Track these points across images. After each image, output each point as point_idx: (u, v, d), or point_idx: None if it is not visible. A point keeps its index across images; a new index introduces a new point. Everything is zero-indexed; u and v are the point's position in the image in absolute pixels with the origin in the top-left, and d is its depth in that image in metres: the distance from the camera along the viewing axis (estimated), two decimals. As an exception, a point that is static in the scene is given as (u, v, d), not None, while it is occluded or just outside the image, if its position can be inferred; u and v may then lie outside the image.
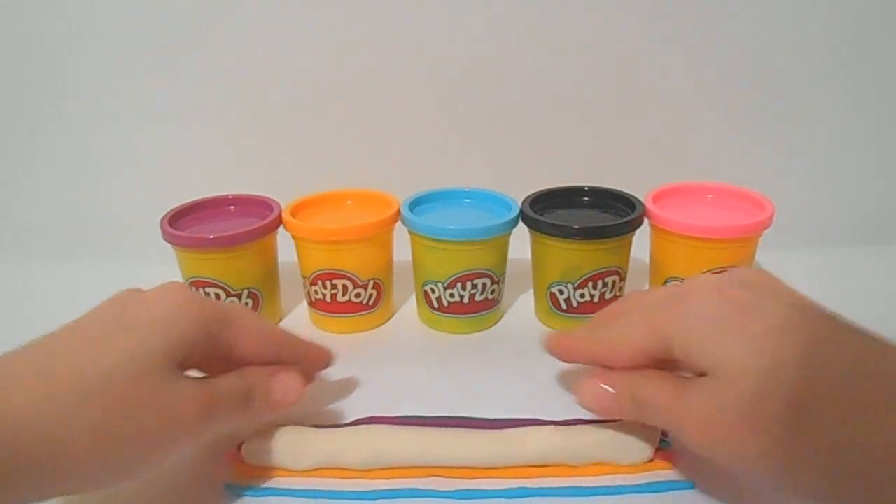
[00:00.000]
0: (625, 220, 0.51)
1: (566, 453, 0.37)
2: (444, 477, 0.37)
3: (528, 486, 0.37)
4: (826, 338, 0.29)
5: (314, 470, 0.38)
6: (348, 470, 0.38)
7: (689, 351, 0.31)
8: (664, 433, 0.38)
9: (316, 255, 0.52)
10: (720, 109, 0.69)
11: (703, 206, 0.56)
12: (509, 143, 0.70)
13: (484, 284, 0.52)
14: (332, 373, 0.49)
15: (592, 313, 0.52)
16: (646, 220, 0.53)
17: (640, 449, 0.38)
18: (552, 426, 0.39)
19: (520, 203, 0.54)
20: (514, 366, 0.50)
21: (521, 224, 0.53)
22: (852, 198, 0.71)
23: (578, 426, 0.39)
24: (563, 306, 0.53)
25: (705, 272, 0.51)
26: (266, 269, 0.54)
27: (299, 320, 0.57)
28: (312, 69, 0.68)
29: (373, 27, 0.66)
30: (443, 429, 0.39)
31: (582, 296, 0.52)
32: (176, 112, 0.69)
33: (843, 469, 0.27)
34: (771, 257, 0.59)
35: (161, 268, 0.54)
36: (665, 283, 0.53)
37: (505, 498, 0.36)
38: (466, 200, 0.57)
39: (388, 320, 0.57)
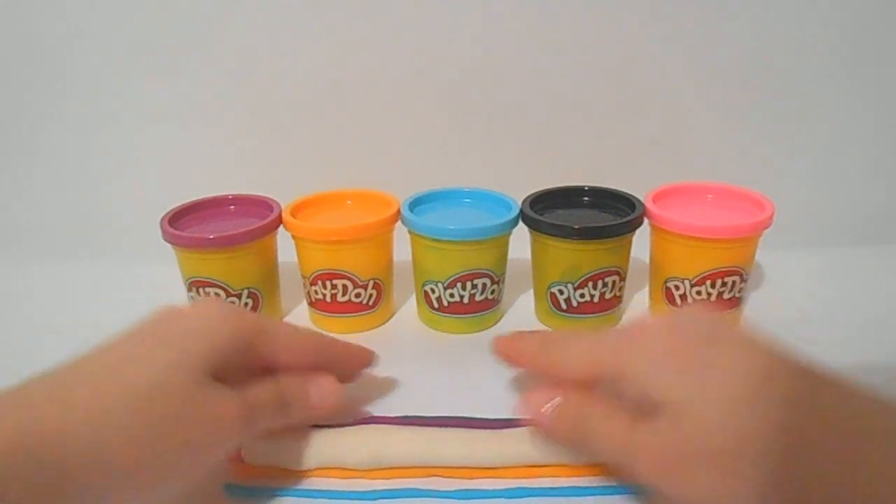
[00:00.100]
0: (625, 220, 0.51)
1: (566, 453, 0.37)
2: (444, 477, 0.37)
3: (528, 486, 0.37)
4: (780, 377, 0.29)
5: (314, 470, 0.38)
6: (348, 470, 0.38)
7: (643, 386, 0.30)
8: None
9: (316, 255, 0.52)
10: (720, 109, 0.69)
11: (703, 206, 0.56)
12: (509, 143, 0.70)
13: (484, 284, 0.52)
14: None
15: (592, 313, 0.53)
16: (646, 220, 0.53)
17: None
18: None
19: (520, 203, 0.54)
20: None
21: (521, 224, 0.53)
22: (852, 198, 0.71)
23: None
24: (563, 306, 0.53)
25: (705, 272, 0.51)
26: (266, 269, 0.54)
27: (299, 320, 0.57)
28: (312, 69, 0.68)
29: (373, 27, 0.66)
30: (443, 429, 0.39)
31: (582, 296, 0.52)
32: (176, 112, 0.69)
33: None
34: (771, 257, 0.59)
35: (161, 268, 0.54)
36: (665, 283, 0.53)
37: (505, 498, 0.36)
38: (466, 200, 0.57)
39: (388, 320, 0.57)
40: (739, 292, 0.52)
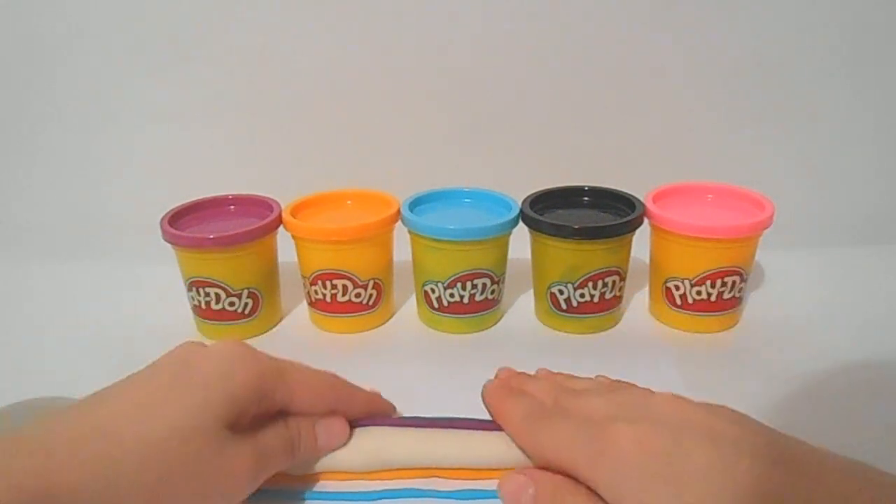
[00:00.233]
0: (625, 220, 0.51)
1: None
2: (443, 478, 0.37)
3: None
4: (753, 476, 0.28)
5: (314, 475, 0.38)
6: (349, 473, 0.38)
7: (617, 499, 0.30)
8: None
9: (316, 255, 0.52)
10: (720, 109, 0.70)
11: (703, 206, 0.56)
12: (509, 143, 0.70)
13: (484, 284, 0.52)
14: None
15: (592, 313, 0.53)
16: (646, 220, 0.53)
17: None
18: None
19: (520, 203, 0.54)
20: (514, 366, 0.49)
21: (521, 224, 0.53)
22: (852, 198, 0.71)
23: None
24: (563, 306, 0.53)
25: (705, 272, 0.51)
26: (266, 269, 0.54)
27: (299, 320, 0.57)
28: (312, 69, 0.68)
29: (373, 27, 0.66)
30: (443, 430, 0.39)
31: (582, 296, 0.52)
32: (176, 112, 0.69)
33: None
34: (771, 257, 0.59)
35: (161, 268, 0.54)
36: (665, 283, 0.53)
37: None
38: (466, 200, 0.57)
39: (388, 320, 0.57)
40: (739, 292, 0.52)
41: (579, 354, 0.51)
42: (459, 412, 0.41)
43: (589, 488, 0.31)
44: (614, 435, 0.30)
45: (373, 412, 0.40)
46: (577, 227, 0.50)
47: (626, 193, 0.55)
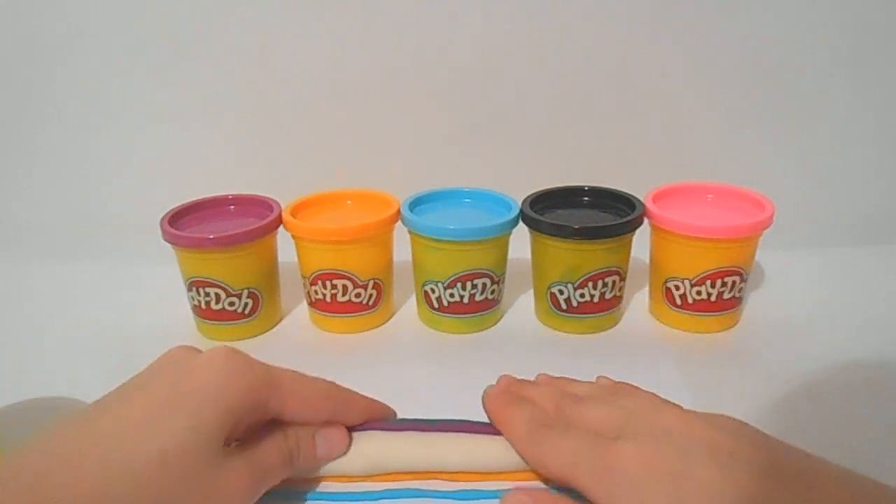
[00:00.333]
0: (625, 220, 0.51)
1: None
2: (444, 480, 0.37)
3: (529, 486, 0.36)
4: (757, 495, 0.28)
5: (315, 478, 0.38)
6: (350, 476, 0.38)
7: None
8: None
9: (316, 255, 0.52)
10: (720, 109, 0.70)
11: (703, 206, 0.56)
12: (509, 143, 0.70)
13: (484, 284, 0.52)
14: (332, 373, 0.50)
15: (592, 313, 0.53)
16: (646, 220, 0.53)
17: None
18: None
19: (520, 203, 0.54)
20: (514, 366, 0.49)
21: (521, 224, 0.53)
22: (852, 198, 0.71)
23: None
24: (563, 306, 0.53)
25: (705, 272, 0.51)
26: (266, 269, 0.54)
27: (299, 320, 0.57)
28: (312, 69, 0.68)
29: (373, 27, 0.66)
30: (444, 434, 0.39)
31: (582, 296, 0.52)
32: (176, 112, 0.69)
33: None
34: (771, 257, 0.59)
35: (161, 268, 0.54)
36: (665, 283, 0.53)
37: (504, 498, 0.36)
38: (466, 200, 0.57)
39: (388, 320, 0.57)
40: (739, 292, 0.52)
41: (579, 354, 0.51)
42: (459, 412, 0.41)
43: None
44: (619, 452, 0.30)
45: (372, 418, 0.39)
46: (577, 227, 0.50)
47: (626, 193, 0.55)
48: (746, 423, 0.32)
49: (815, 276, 0.62)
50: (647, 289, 0.57)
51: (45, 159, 0.71)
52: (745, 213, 0.53)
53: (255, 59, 0.67)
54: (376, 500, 0.36)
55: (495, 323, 0.56)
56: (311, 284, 0.53)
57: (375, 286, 0.54)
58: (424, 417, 0.40)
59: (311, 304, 0.55)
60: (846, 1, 0.66)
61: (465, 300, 0.53)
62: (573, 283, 0.52)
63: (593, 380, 0.42)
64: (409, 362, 0.51)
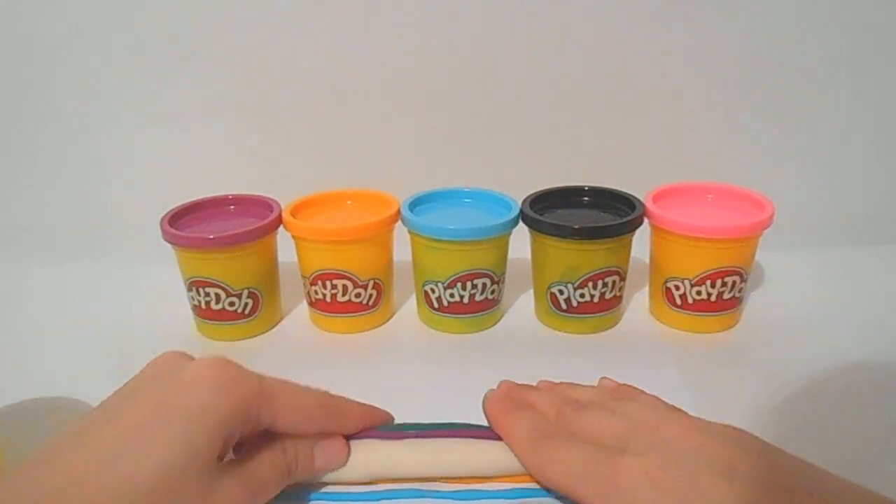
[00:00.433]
0: (625, 220, 0.51)
1: None
2: (445, 483, 0.37)
3: (528, 487, 0.36)
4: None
5: (315, 485, 0.37)
6: (350, 483, 0.37)
7: None
8: None
9: (316, 255, 0.52)
10: (720, 109, 0.70)
11: (703, 206, 0.56)
12: (509, 143, 0.70)
13: (484, 284, 0.52)
14: (332, 373, 0.50)
15: (592, 313, 0.53)
16: (646, 220, 0.53)
17: None
18: None
19: (520, 203, 0.54)
20: (514, 366, 0.50)
21: (521, 224, 0.53)
22: (852, 198, 0.71)
23: None
24: (563, 306, 0.53)
25: (705, 272, 0.51)
26: (266, 269, 0.54)
27: (299, 320, 0.57)
28: (312, 69, 0.68)
29: (373, 27, 0.66)
30: (443, 440, 0.38)
31: (582, 296, 0.52)
32: (176, 112, 0.69)
33: None
34: (771, 257, 0.59)
35: (161, 268, 0.54)
36: (665, 283, 0.53)
37: (505, 498, 0.36)
38: (466, 200, 0.57)
39: (388, 320, 0.57)
40: (739, 292, 0.52)
41: (579, 354, 0.51)
42: (459, 412, 0.41)
43: None
44: (624, 468, 0.30)
45: (369, 425, 0.38)
46: (577, 227, 0.50)
47: (626, 193, 0.55)
48: (751, 434, 0.32)
49: (815, 276, 0.62)
50: (647, 289, 0.57)
51: (45, 159, 0.71)
52: (745, 213, 0.53)
53: (255, 59, 0.67)
54: (377, 500, 0.36)
55: (495, 323, 0.56)
56: (311, 284, 0.53)
57: (375, 286, 0.54)
58: (423, 422, 0.39)
59: (311, 304, 0.55)
60: (846, 1, 0.66)
61: (465, 300, 0.53)
62: (573, 283, 0.52)
63: (594, 381, 0.42)
64: (409, 362, 0.51)
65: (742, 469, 0.29)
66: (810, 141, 0.71)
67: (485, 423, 0.39)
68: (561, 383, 0.41)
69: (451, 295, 0.53)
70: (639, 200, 0.53)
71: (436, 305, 0.54)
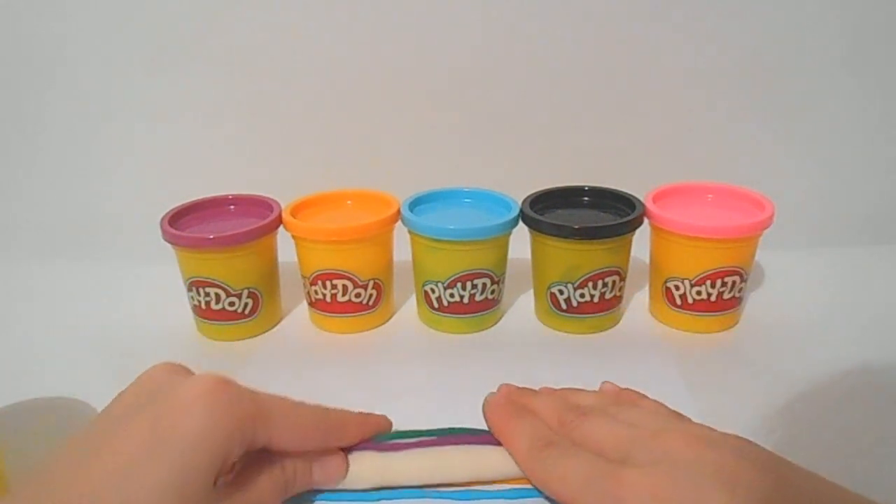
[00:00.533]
0: (625, 220, 0.51)
1: None
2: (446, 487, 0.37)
3: (528, 487, 0.36)
4: None
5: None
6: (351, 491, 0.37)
7: None
8: None
9: (316, 255, 0.52)
10: (720, 109, 0.69)
11: (703, 206, 0.56)
12: (509, 143, 0.70)
13: (484, 284, 0.52)
14: (332, 373, 0.50)
15: (592, 313, 0.53)
16: (646, 220, 0.53)
17: None
18: None
19: (520, 203, 0.54)
20: (514, 366, 0.50)
21: (521, 224, 0.53)
22: (852, 198, 0.71)
23: None
24: (563, 306, 0.53)
25: (705, 272, 0.51)
26: (266, 269, 0.54)
27: (299, 320, 0.57)
28: (313, 69, 0.68)
29: (373, 27, 0.66)
30: (443, 448, 0.38)
31: (582, 296, 0.52)
32: (176, 112, 0.69)
33: None
34: (771, 257, 0.59)
35: (161, 268, 0.54)
36: (665, 283, 0.53)
37: (505, 498, 0.36)
38: (466, 200, 0.57)
39: (388, 320, 0.57)
40: (739, 292, 0.52)
41: (579, 354, 0.51)
42: (459, 412, 0.41)
43: None
44: (628, 481, 0.30)
45: (367, 435, 0.38)
46: (577, 227, 0.50)
47: (626, 193, 0.55)
48: (755, 444, 0.31)
49: (815, 276, 0.62)
50: (647, 289, 0.57)
51: (45, 159, 0.71)
52: (745, 213, 0.53)
53: (256, 59, 0.67)
54: (377, 500, 0.36)
55: (495, 323, 0.56)
56: (311, 284, 0.53)
57: (375, 286, 0.54)
58: (422, 428, 0.39)
59: (311, 304, 0.55)
60: (846, 1, 0.66)
61: (465, 300, 0.53)
62: (573, 283, 0.52)
63: (594, 381, 0.42)
64: (409, 362, 0.51)
65: (745, 480, 0.29)
66: (810, 141, 0.71)
67: (484, 427, 0.39)
68: (562, 388, 0.41)
69: (451, 295, 0.53)
70: (639, 200, 0.53)
71: (436, 305, 0.54)
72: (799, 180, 0.70)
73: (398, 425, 0.40)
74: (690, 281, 0.52)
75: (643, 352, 0.51)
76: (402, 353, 0.52)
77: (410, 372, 0.49)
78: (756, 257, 0.53)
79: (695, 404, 0.43)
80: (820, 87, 0.69)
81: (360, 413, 0.38)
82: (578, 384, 0.41)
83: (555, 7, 0.65)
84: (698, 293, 0.52)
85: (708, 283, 0.51)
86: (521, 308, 0.57)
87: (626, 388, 0.40)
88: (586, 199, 0.57)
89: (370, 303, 0.54)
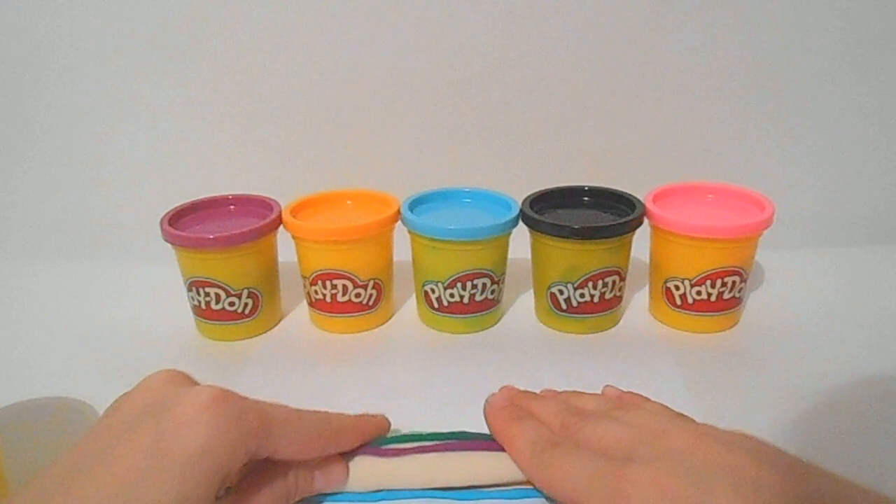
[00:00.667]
0: (625, 220, 0.51)
1: None
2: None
3: (529, 487, 0.36)
4: None
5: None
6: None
7: None
8: None
9: (316, 255, 0.52)
10: (720, 110, 0.69)
11: (703, 206, 0.56)
12: (509, 143, 0.70)
13: (484, 284, 0.52)
14: (332, 373, 0.50)
15: (592, 313, 0.53)
16: (646, 220, 0.53)
17: None
18: None
19: (520, 203, 0.54)
20: (514, 366, 0.50)
21: (521, 224, 0.53)
22: (852, 198, 0.71)
23: None
24: (563, 306, 0.53)
25: (705, 272, 0.51)
26: (266, 269, 0.54)
27: (299, 320, 0.57)
28: (313, 70, 0.68)
29: (373, 27, 0.66)
30: (444, 454, 0.38)
31: (582, 296, 0.52)
32: (176, 112, 0.69)
33: None
34: (771, 257, 0.59)
35: (161, 268, 0.54)
36: (665, 283, 0.53)
37: (505, 498, 0.36)
38: (466, 200, 0.57)
39: (388, 320, 0.57)
40: (739, 292, 0.52)
41: (579, 354, 0.51)
42: (459, 412, 0.41)
43: None
44: (633, 478, 0.30)
45: (368, 438, 0.38)
46: (577, 227, 0.50)
47: (626, 193, 0.55)
48: (759, 439, 0.31)
49: (815, 276, 0.62)
50: (647, 289, 0.57)
51: (45, 159, 0.71)
52: (745, 213, 0.53)
53: (256, 59, 0.67)
54: (377, 500, 0.36)
55: (495, 323, 0.56)
56: (311, 284, 0.53)
57: (375, 286, 0.54)
58: (424, 431, 0.39)
59: (311, 304, 0.55)
60: (847, 1, 0.66)
61: (465, 300, 0.53)
62: (573, 283, 0.52)
63: (595, 381, 0.42)
64: (409, 362, 0.51)
65: (751, 476, 0.28)
66: (810, 141, 0.71)
67: (485, 431, 0.38)
68: (564, 392, 0.41)
69: (451, 295, 0.53)
70: (639, 200, 0.53)
71: (436, 305, 0.54)
72: (799, 180, 0.70)
73: (398, 425, 0.39)
74: (690, 281, 0.52)
75: (643, 352, 0.51)
76: (402, 353, 0.52)
77: (410, 372, 0.49)
78: (756, 257, 0.53)
79: (695, 404, 0.43)
80: (820, 88, 0.69)
81: (360, 416, 0.38)
82: (578, 384, 0.41)
83: (555, 7, 0.65)
84: (698, 293, 0.52)
85: (708, 283, 0.51)
86: (521, 308, 0.57)
87: (628, 392, 0.40)
88: (586, 199, 0.57)
89: (370, 303, 0.54)
